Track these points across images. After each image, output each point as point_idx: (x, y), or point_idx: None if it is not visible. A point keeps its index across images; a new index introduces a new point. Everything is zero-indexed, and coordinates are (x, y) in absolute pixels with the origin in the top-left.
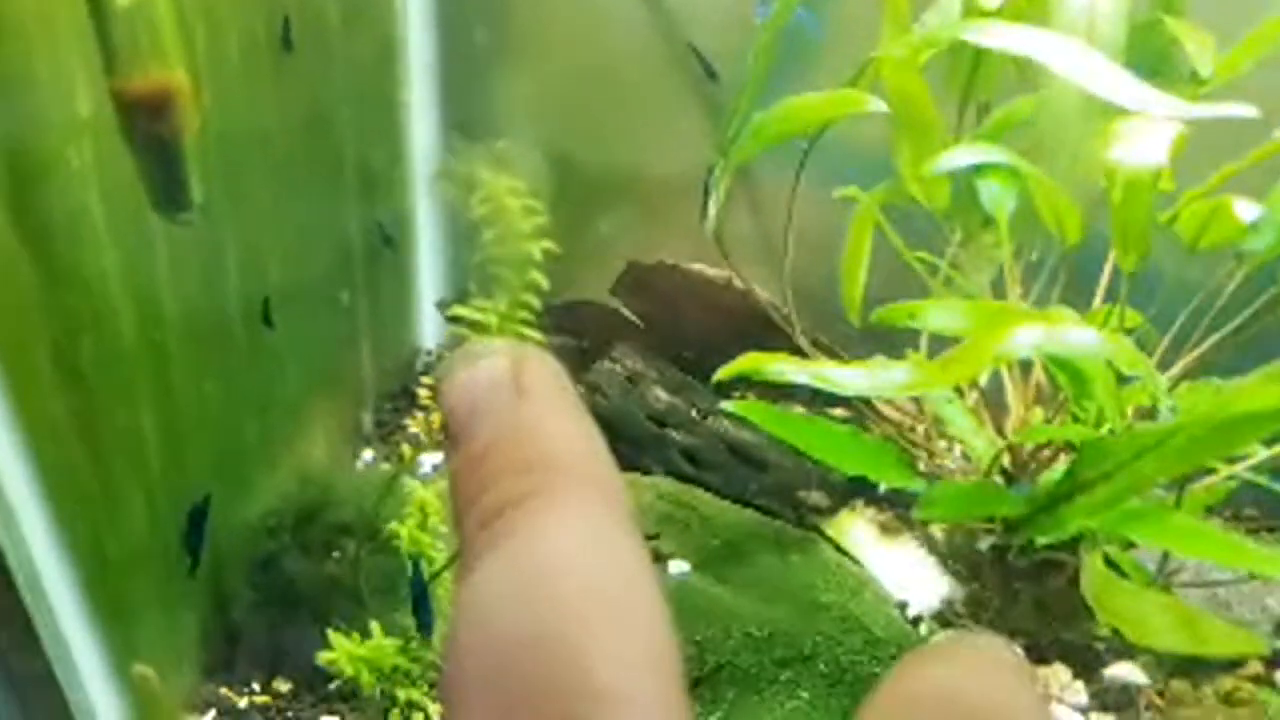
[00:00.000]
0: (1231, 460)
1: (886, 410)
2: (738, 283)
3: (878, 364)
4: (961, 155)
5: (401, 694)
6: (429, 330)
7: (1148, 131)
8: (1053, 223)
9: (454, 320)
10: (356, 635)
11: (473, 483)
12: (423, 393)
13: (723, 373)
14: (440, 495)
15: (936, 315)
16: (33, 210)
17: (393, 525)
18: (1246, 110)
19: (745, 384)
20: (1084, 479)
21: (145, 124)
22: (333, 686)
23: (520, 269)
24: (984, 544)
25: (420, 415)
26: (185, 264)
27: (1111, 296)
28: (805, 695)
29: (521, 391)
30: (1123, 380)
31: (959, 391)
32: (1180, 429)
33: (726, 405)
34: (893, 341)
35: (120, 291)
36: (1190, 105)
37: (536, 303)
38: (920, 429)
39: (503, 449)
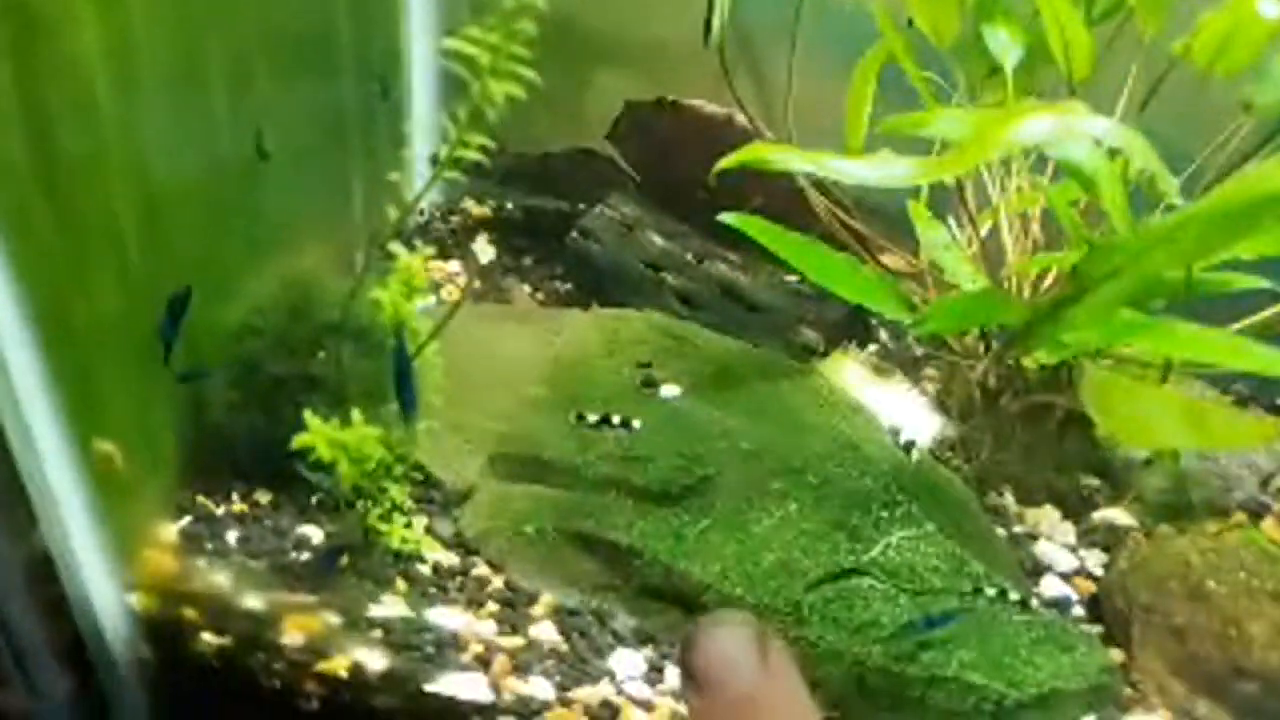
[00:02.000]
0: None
1: (885, 259)
2: (740, 118)
3: (882, 157)
4: None
5: (385, 490)
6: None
7: None
8: (1062, 56)
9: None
10: (336, 421)
11: None
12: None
13: (724, 163)
14: (422, 262)
15: (943, 123)
16: None
17: (375, 293)
18: None
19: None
20: (1091, 279)
21: None
22: (315, 500)
23: None
24: (978, 372)
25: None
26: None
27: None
28: (794, 506)
29: (766, 665)
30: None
31: (956, 241)
32: (1193, 218)
33: (724, 217)
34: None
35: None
36: None
37: (533, 29)
38: (914, 278)
39: (750, 711)
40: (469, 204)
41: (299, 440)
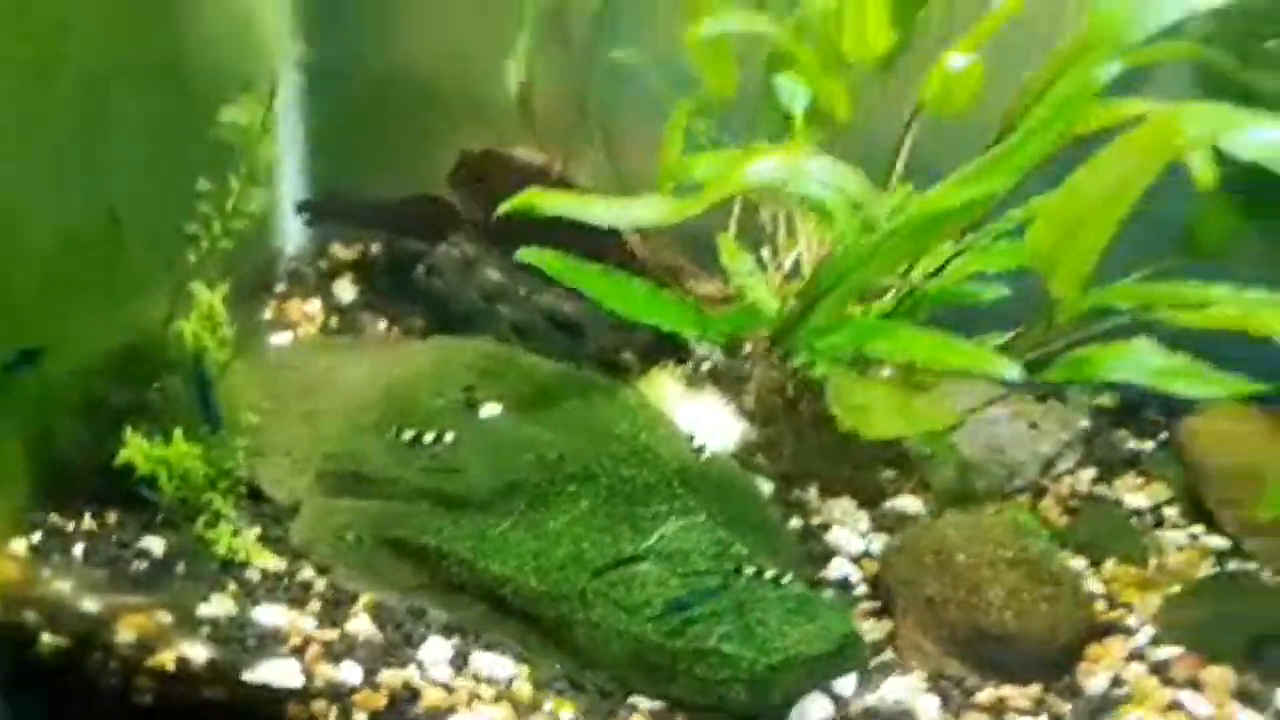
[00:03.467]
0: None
1: (704, 290)
2: (558, 165)
3: (637, 198)
4: (729, 22)
5: (207, 501)
6: (292, 233)
7: None
8: (825, 101)
9: (312, 223)
10: (160, 440)
11: None
12: (277, 287)
13: (501, 209)
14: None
15: (702, 166)
16: None
17: (177, 323)
18: None
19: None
20: (820, 290)
21: None
22: (160, 518)
23: None
24: (753, 369)
25: (273, 304)
26: None
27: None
28: (585, 504)
29: None
30: None
31: (763, 266)
32: (890, 235)
33: (522, 253)
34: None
35: None
36: None
37: None
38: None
39: None
40: (336, 248)
41: (121, 456)
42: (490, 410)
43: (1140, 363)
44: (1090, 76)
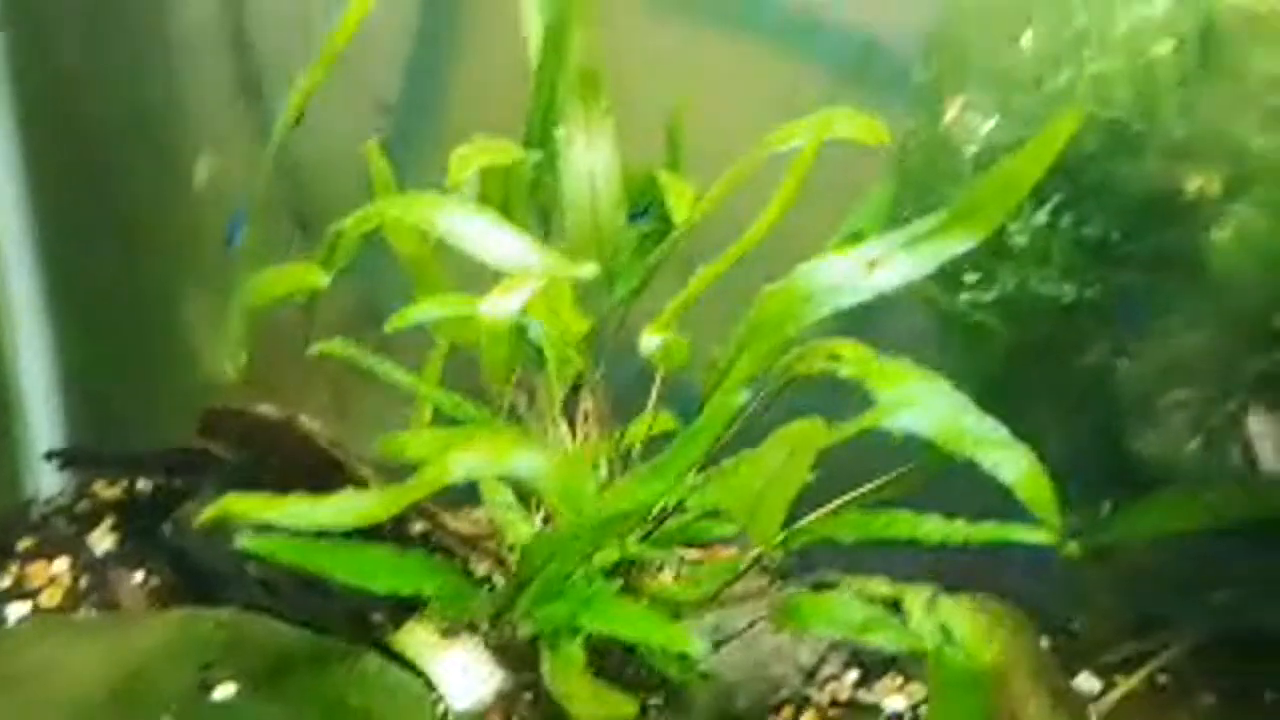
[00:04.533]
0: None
1: (463, 528)
2: (302, 420)
3: (346, 496)
4: (431, 311)
5: None
6: (46, 482)
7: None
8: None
9: (64, 469)
10: None
11: None
12: (22, 545)
13: (200, 519)
14: None
15: (413, 444)
16: None
17: None
18: (589, 269)
19: None
20: (528, 573)
21: None
22: None
23: None
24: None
25: (14, 568)
26: None
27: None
28: None
29: None
30: None
31: (526, 506)
32: (575, 530)
33: (244, 542)
34: None
35: None
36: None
37: None
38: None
39: None
40: (100, 486)
41: None
42: (223, 692)
43: (842, 616)
44: (730, 401)
